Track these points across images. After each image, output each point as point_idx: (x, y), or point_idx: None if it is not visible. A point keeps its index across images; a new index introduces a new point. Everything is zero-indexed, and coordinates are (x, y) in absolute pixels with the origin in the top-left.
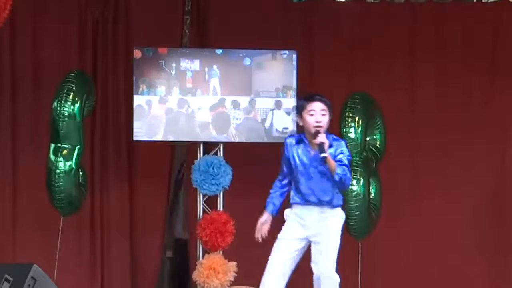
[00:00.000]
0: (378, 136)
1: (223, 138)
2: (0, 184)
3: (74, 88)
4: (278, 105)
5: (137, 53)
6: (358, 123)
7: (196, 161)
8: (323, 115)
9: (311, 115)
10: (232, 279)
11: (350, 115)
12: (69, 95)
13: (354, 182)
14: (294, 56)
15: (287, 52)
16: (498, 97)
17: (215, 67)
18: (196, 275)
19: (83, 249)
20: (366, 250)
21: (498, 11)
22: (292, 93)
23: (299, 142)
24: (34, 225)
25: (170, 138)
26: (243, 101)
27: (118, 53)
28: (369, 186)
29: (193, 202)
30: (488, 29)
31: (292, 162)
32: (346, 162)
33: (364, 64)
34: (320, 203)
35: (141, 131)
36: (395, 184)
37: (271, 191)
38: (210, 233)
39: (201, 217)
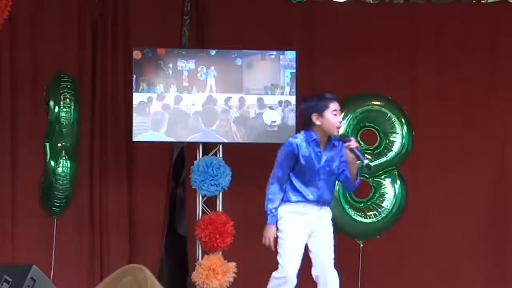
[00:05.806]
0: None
1: (213, 132)
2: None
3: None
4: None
5: (138, 54)
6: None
7: (195, 162)
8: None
9: (334, 115)
10: (231, 280)
11: None
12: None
13: None
14: (281, 56)
15: (274, 52)
16: (498, 97)
17: (212, 67)
18: (195, 276)
19: (82, 249)
20: (365, 251)
21: (498, 11)
22: (280, 90)
23: (309, 141)
24: (34, 225)
25: (169, 131)
26: (235, 98)
27: (117, 54)
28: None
29: (193, 203)
30: (488, 29)
31: (301, 161)
32: None
33: (364, 64)
34: (320, 202)
35: (141, 126)
36: None
37: (273, 198)
38: (209, 233)
39: (200, 217)
